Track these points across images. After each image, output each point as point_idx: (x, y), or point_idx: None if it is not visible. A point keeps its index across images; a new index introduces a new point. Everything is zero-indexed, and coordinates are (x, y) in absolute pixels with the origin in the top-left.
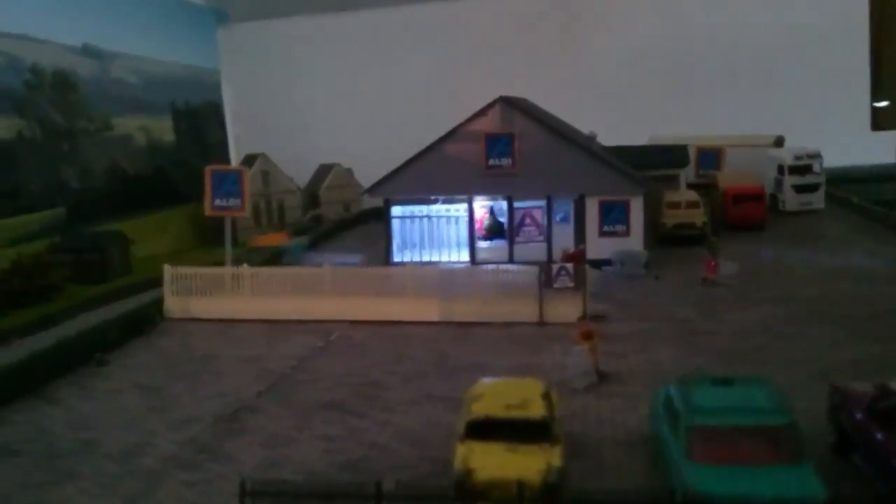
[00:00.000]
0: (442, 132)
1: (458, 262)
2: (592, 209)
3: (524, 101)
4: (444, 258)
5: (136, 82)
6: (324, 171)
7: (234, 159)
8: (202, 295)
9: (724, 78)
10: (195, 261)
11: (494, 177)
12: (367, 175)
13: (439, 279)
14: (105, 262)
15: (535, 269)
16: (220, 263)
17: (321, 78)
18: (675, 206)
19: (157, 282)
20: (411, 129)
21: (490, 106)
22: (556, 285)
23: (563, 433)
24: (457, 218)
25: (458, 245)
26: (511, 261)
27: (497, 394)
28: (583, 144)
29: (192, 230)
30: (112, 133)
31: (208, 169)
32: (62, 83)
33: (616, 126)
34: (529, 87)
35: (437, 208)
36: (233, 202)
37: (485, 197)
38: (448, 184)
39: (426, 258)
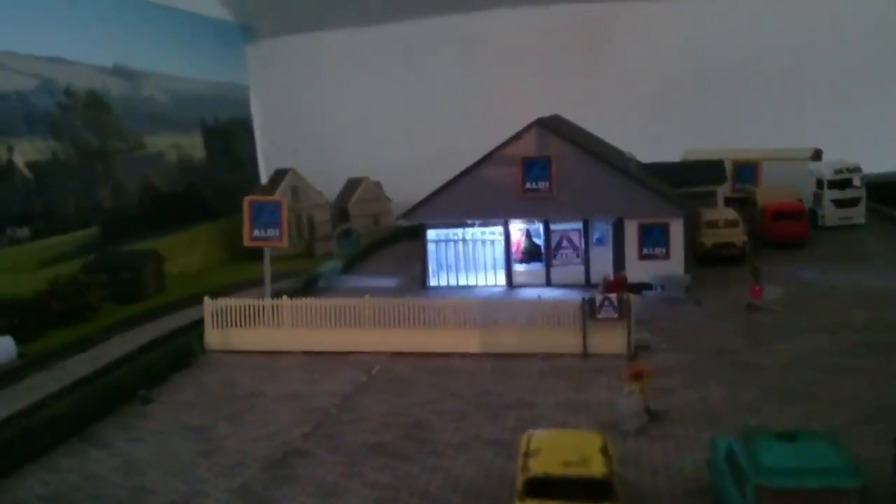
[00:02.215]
0: (469, 145)
1: (495, 286)
2: (631, 232)
3: (559, 120)
4: (481, 281)
5: (167, 100)
6: (353, 185)
7: (264, 174)
8: (242, 327)
9: (756, 88)
10: (227, 276)
11: (531, 200)
12: (396, 188)
13: (480, 310)
14: (139, 281)
15: (578, 300)
16: (253, 280)
17: (349, 91)
18: (714, 224)
19: (190, 300)
20: (439, 141)
21: (526, 129)
22: (599, 316)
23: (622, 488)
24: (493, 241)
25: (495, 268)
26: (548, 284)
27: (554, 449)
28: (620, 166)
29: (223, 245)
30: (144, 151)
31: (247, 199)
32: (95, 104)
33: (648, 139)
34: (558, 100)
35: (473, 231)
36: (271, 233)
37: (521, 220)
38: (484, 208)
39: (462, 281)
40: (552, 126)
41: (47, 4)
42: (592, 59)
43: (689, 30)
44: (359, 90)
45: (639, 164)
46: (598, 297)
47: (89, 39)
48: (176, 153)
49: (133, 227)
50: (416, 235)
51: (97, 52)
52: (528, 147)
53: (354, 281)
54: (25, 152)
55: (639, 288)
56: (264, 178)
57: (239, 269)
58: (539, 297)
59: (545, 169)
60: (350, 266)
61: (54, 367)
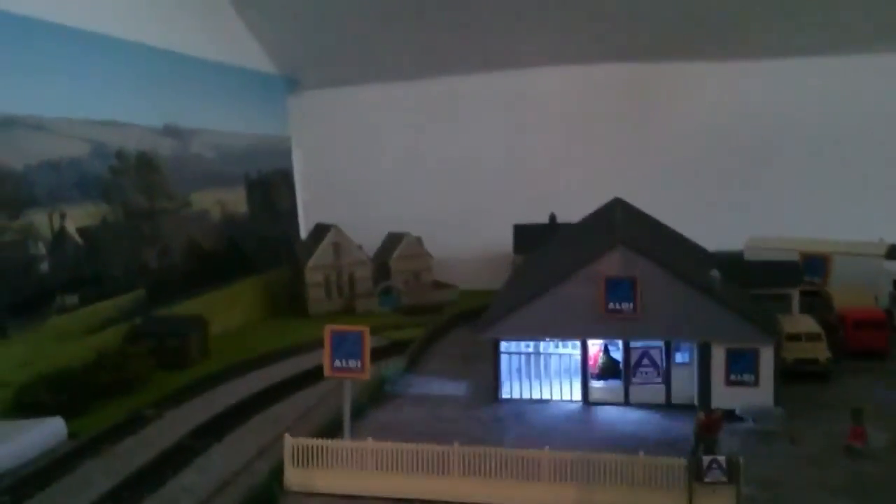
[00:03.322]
0: (510, 204)
1: (570, 400)
2: (718, 356)
3: (624, 207)
4: (556, 395)
5: (213, 156)
6: (393, 240)
7: (303, 226)
8: (324, 467)
9: (827, 168)
10: (271, 339)
11: (613, 321)
12: (436, 244)
13: (578, 464)
14: (185, 347)
15: (683, 461)
16: (299, 345)
17: (390, 145)
18: (795, 338)
19: (235, 368)
20: (480, 198)
21: (610, 248)
22: (706, 480)
23: None
24: (569, 355)
25: (571, 382)
26: (626, 402)
27: None
28: (707, 286)
29: (263, 301)
30: (190, 209)
31: (328, 328)
32: (145, 165)
33: (699, 215)
34: (602, 164)
35: (548, 344)
36: (353, 364)
37: (600, 339)
38: (563, 326)
39: (536, 394)
40: (637, 246)
41: (102, 66)
42: (640, 121)
43: (753, 96)
44: (400, 143)
45: (721, 278)
46: (706, 460)
47: (141, 101)
48: (220, 209)
49: (177, 287)
50: (474, 320)
51: (148, 113)
52: (612, 266)
53: (420, 385)
54: (77, 218)
55: (731, 417)
56: (303, 230)
57: (281, 330)
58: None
59: (630, 290)
60: (413, 363)
61: (106, 452)
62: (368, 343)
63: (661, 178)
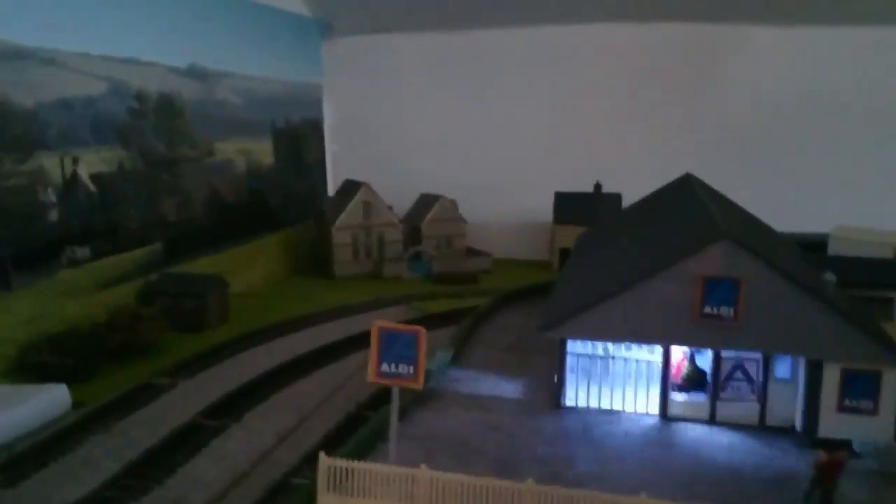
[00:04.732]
0: (551, 168)
1: (646, 413)
2: (831, 375)
3: (694, 182)
4: (629, 406)
5: (240, 103)
6: (427, 202)
7: (331, 181)
8: (365, 496)
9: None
10: (295, 301)
11: (707, 327)
12: (469, 208)
13: None
14: (203, 309)
15: None
16: (326, 312)
17: (427, 99)
18: None
19: (255, 336)
20: (519, 161)
21: (712, 243)
22: None
23: None
24: (648, 361)
25: (647, 392)
26: (712, 419)
27: None
28: (821, 292)
29: (286, 259)
30: (213, 159)
31: (376, 325)
32: (167, 108)
33: (758, 190)
34: (653, 128)
35: (624, 347)
36: (403, 370)
37: (688, 346)
38: (646, 330)
39: (605, 404)
40: (744, 241)
41: (125, 1)
42: (697, 88)
43: (822, 66)
44: (437, 98)
45: (835, 283)
46: None
47: (165, 38)
48: (245, 159)
49: (197, 241)
50: (521, 301)
51: (173, 52)
52: (711, 264)
53: (468, 382)
54: (90, 163)
55: (838, 446)
56: (331, 185)
57: (305, 294)
58: None
59: (732, 292)
60: (458, 354)
61: (112, 429)
62: (424, 346)
63: (715, 150)
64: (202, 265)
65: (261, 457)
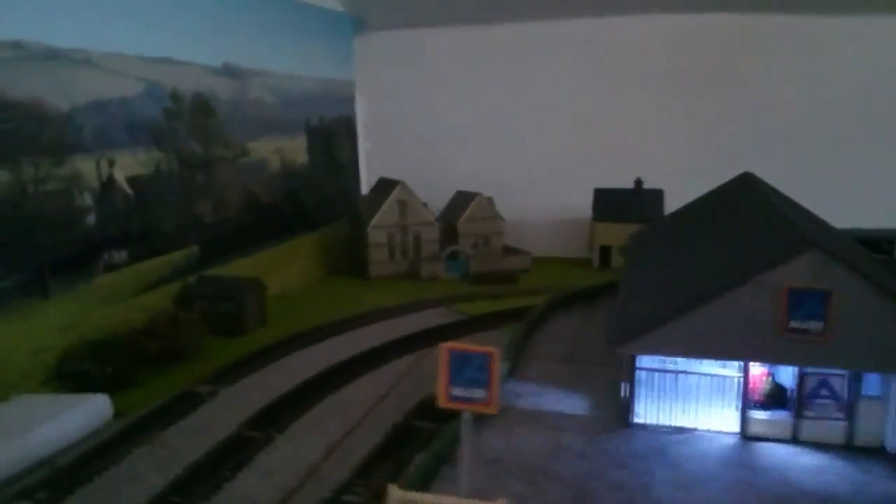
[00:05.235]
0: (590, 164)
1: (722, 432)
2: None
3: (753, 180)
4: (703, 423)
5: (274, 101)
6: (462, 199)
7: (364, 180)
8: None
9: None
10: (332, 304)
11: (793, 342)
12: (506, 206)
13: None
14: (241, 313)
15: None
16: (364, 315)
17: (461, 95)
18: None
19: (294, 340)
20: (556, 157)
21: (799, 253)
22: None
23: None
24: (724, 377)
25: (723, 409)
26: (794, 439)
27: None
28: None
29: (321, 259)
30: (247, 159)
31: (445, 347)
32: (201, 109)
33: (815, 193)
34: (698, 123)
35: (694, 361)
36: (476, 394)
37: (771, 362)
38: (723, 344)
39: (678, 421)
40: (832, 250)
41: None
42: (743, 81)
43: (874, 59)
44: (471, 94)
45: None
46: None
47: (198, 36)
48: (279, 159)
49: (233, 243)
50: (571, 306)
51: (207, 51)
52: (796, 275)
53: (530, 398)
54: (126, 166)
55: None
56: (364, 184)
57: (342, 296)
58: None
59: (820, 305)
60: (515, 363)
61: (155, 439)
62: (498, 368)
63: (760, 146)
64: (238, 267)
65: (309, 472)
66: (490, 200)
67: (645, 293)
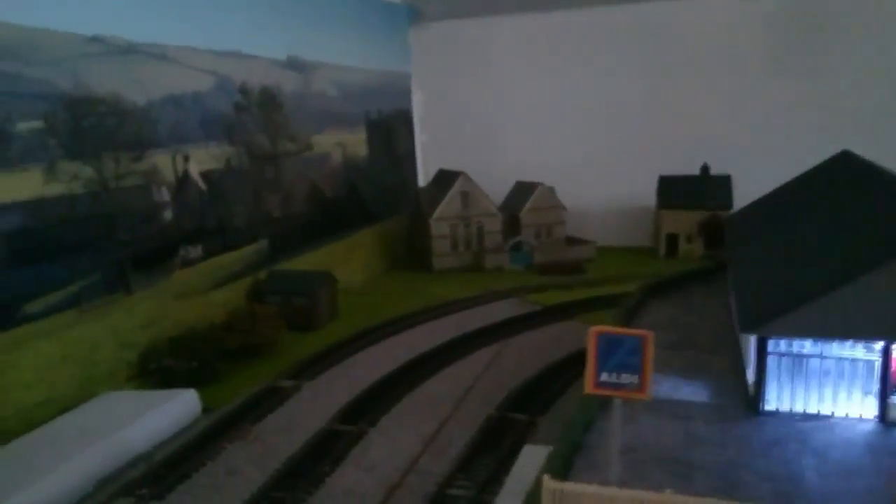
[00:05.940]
0: (649, 152)
1: (859, 418)
2: None
3: (853, 159)
4: (839, 410)
5: (336, 94)
6: (524, 190)
7: (421, 172)
8: None
9: None
10: (400, 297)
11: None
12: (568, 195)
13: None
14: (314, 307)
15: None
16: (432, 308)
17: (519, 84)
18: None
19: (369, 334)
20: (616, 145)
21: None
22: None
23: None
24: (860, 360)
25: (862, 393)
26: None
27: None
28: None
29: (383, 253)
30: (311, 152)
31: (594, 331)
32: (268, 102)
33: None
34: (760, 106)
35: (826, 343)
36: (627, 379)
37: None
38: (865, 325)
39: (811, 407)
40: None
41: None
42: (811, 63)
43: None
44: (529, 82)
45: None
46: None
47: (264, 29)
48: (341, 152)
49: (300, 237)
50: (674, 290)
51: (272, 44)
52: None
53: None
54: (200, 160)
55: None
56: (421, 176)
57: (408, 288)
58: None
59: None
60: None
61: (248, 433)
62: (651, 352)
63: (829, 131)
64: (304, 262)
65: (409, 465)
66: (552, 190)
67: (768, 277)
